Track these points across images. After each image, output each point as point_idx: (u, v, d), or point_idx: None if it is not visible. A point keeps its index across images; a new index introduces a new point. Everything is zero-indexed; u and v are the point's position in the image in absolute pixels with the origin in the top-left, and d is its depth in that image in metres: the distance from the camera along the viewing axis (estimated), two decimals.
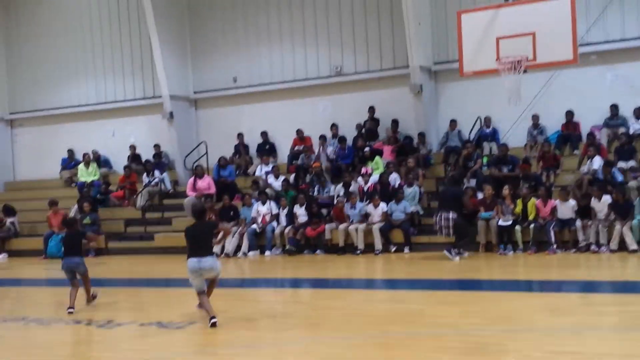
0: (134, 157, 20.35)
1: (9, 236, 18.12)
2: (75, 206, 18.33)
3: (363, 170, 15.75)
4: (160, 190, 18.68)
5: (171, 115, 19.51)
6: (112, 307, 9.76)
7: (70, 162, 21.22)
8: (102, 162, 20.75)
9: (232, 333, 7.64)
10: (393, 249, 14.23)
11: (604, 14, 15.82)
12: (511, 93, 13.09)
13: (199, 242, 7.92)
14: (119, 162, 20.86)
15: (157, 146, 19.94)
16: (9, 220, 18.15)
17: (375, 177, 15.68)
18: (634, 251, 11.95)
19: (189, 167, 19.20)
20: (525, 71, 13.11)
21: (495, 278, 10.82)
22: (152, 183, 18.77)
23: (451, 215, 12.60)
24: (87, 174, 19.92)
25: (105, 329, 8.17)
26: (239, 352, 6.81)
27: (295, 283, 11.52)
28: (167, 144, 20.11)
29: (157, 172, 19.04)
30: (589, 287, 9.71)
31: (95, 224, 17.29)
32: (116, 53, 21.03)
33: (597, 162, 14.10)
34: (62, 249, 9.95)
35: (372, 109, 17.75)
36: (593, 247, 12.43)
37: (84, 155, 20.21)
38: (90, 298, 9.72)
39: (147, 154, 20.28)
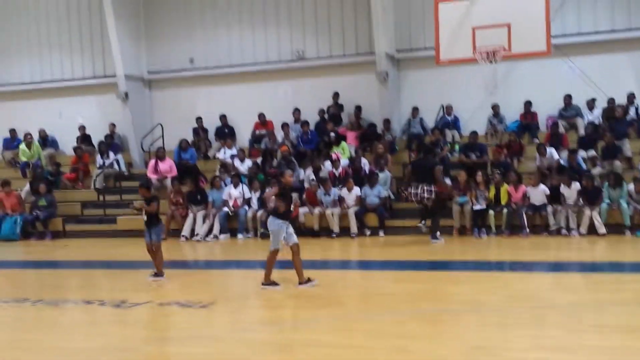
0: (84, 138, 19.69)
1: None
2: (27, 187, 17.61)
3: (333, 155, 15.87)
4: (123, 172, 18.17)
5: (126, 95, 18.97)
6: (116, 288, 9.54)
7: (12, 142, 20.27)
8: (49, 142, 19.98)
9: (263, 312, 7.64)
10: (368, 233, 14.47)
11: (562, 9, 16.55)
12: (488, 81, 13.55)
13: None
14: (65, 142, 20.20)
15: (112, 126, 19.39)
16: None
17: (345, 162, 15.86)
18: (603, 235, 12.66)
19: (145, 149, 18.80)
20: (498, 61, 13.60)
21: (486, 259, 11.19)
22: (107, 165, 18.23)
23: (431, 187, 12.68)
24: (28, 155, 19.19)
25: (124, 309, 7.98)
26: (290, 328, 6.83)
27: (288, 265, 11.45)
28: (121, 125, 19.57)
29: (111, 154, 18.52)
30: (583, 267, 10.19)
31: (52, 206, 16.65)
32: (63, 30, 20.23)
33: (551, 154, 14.80)
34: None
35: (336, 95, 17.89)
36: (563, 231, 13.08)
37: (25, 135, 19.40)
38: (160, 272, 9.70)
39: (96, 135, 19.68)
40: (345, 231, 14.48)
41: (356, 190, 14.78)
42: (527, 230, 13.24)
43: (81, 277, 11.16)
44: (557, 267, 10.26)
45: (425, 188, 12.77)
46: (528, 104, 16.72)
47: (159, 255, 9.91)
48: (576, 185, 13.24)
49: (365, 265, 11.03)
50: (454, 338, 6.25)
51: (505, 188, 13.75)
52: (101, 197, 17.45)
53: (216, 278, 10.72)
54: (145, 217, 9.84)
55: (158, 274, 9.81)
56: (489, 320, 6.86)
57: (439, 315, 7.12)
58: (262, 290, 8.60)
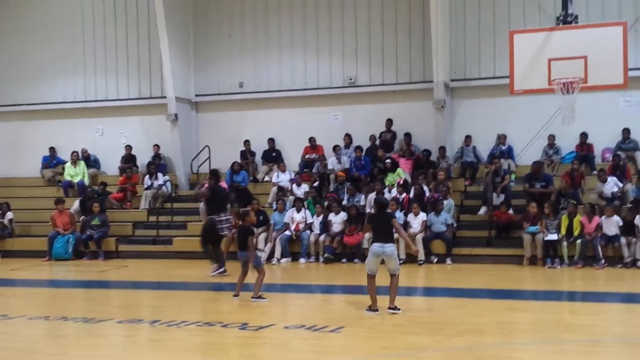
0: (129, 158, 19.49)
1: (3, 236, 16.87)
2: (76, 205, 17.36)
3: (398, 180, 15.85)
4: (171, 194, 18.00)
5: (176, 117, 18.86)
6: (221, 310, 9.37)
7: (52, 161, 20.06)
8: (91, 161, 19.77)
9: (403, 337, 7.50)
10: (435, 260, 14.39)
11: None
12: (565, 113, 13.64)
13: (382, 230, 8.63)
14: (106, 162, 20.03)
15: (156, 147, 19.22)
16: (7, 218, 16.89)
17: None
18: None
19: (194, 171, 18.68)
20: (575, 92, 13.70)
21: (586, 290, 11.15)
22: (156, 186, 18.06)
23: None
24: (73, 173, 18.98)
25: (252, 332, 7.82)
26: (457, 355, 6.71)
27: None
28: (166, 146, 19.40)
29: (159, 175, 18.36)
30: None
31: (105, 225, 16.42)
32: (110, 51, 20.06)
33: (614, 182, 14.90)
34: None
35: (389, 121, 17.91)
36: (639, 263, 13.08)
37: (72, 153, 19.21)
38: (257, 294, 9.69)
39: (139, 155, 19.52)
40: (410, 258, 14.36)
41: (422, 215, 14.73)
42: (603, 261, 13.22)
43: (169, 298, 10.96)
44: None
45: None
46: (584, 136, 16.82)
47: (260, 279, 9.86)
48: None
49: (459, 292, 10.88)
50: None
51: (578, 218, 13.75)
52: (152, 218, 17.25)
53: (313, 302, 10.59)
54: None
55: (257, 296, 9.74)
56: None
57: (595, 347, 7.02)
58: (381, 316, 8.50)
